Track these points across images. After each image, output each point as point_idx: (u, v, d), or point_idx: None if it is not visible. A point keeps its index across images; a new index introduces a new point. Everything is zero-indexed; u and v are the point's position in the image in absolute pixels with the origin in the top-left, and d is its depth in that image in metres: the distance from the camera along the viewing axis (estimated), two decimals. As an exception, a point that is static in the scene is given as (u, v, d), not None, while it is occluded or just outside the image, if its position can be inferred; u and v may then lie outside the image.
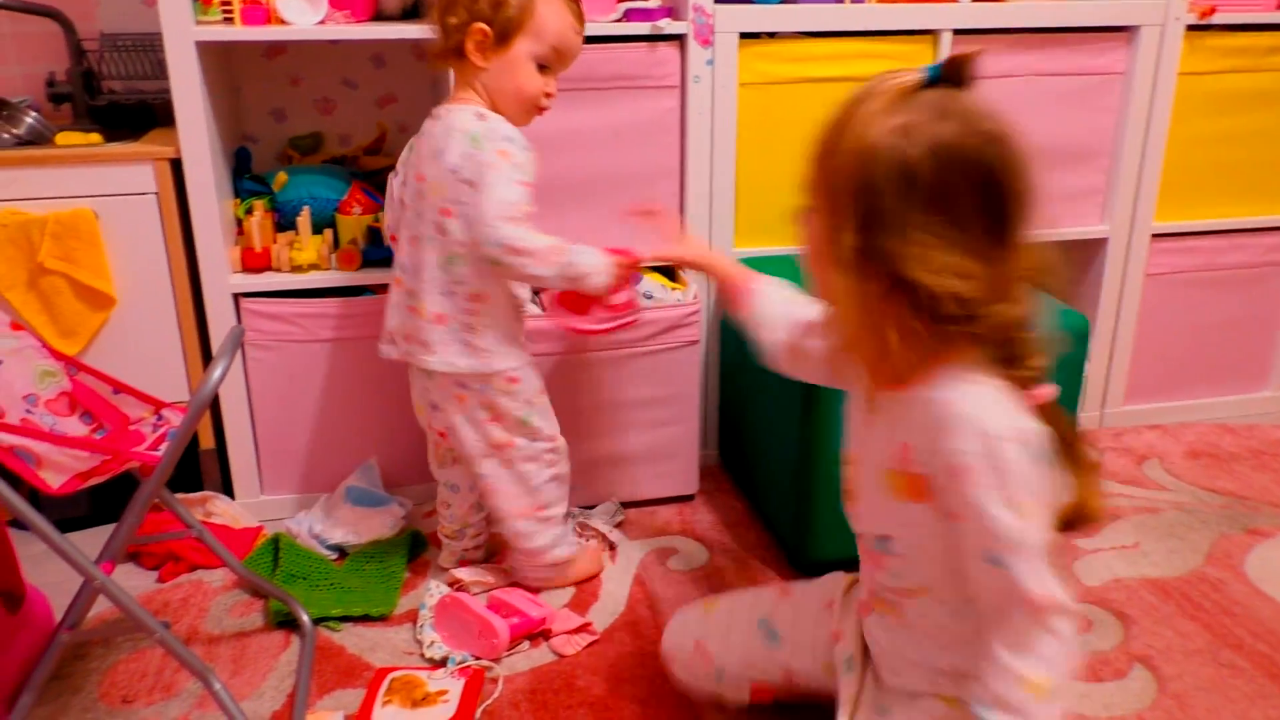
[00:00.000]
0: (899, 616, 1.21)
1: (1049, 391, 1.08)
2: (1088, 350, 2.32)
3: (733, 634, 1.43)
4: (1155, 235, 2.32)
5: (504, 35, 1.55)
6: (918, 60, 2.07)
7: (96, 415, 1.48)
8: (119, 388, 1.53)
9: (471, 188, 1.54)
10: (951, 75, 1.02)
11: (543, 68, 1.60)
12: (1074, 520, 1.11)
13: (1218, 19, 2.19)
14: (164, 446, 1.38)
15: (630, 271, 1.62)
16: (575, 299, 1.67)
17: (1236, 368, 2.49)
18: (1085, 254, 2.37)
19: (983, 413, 1.02)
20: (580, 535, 1.94)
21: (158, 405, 1.54)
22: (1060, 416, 1.09)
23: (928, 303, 1.00)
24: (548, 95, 1.62)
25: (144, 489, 1.37)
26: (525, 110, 1.62)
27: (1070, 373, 1.82)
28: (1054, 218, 1.12)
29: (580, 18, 1.64)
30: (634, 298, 1.72)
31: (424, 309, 1.61)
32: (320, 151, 2.31)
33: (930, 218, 0.99)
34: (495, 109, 1.60)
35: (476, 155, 1.54)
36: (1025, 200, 1.02)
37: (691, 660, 1.46)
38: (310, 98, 2.30)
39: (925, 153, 0.98)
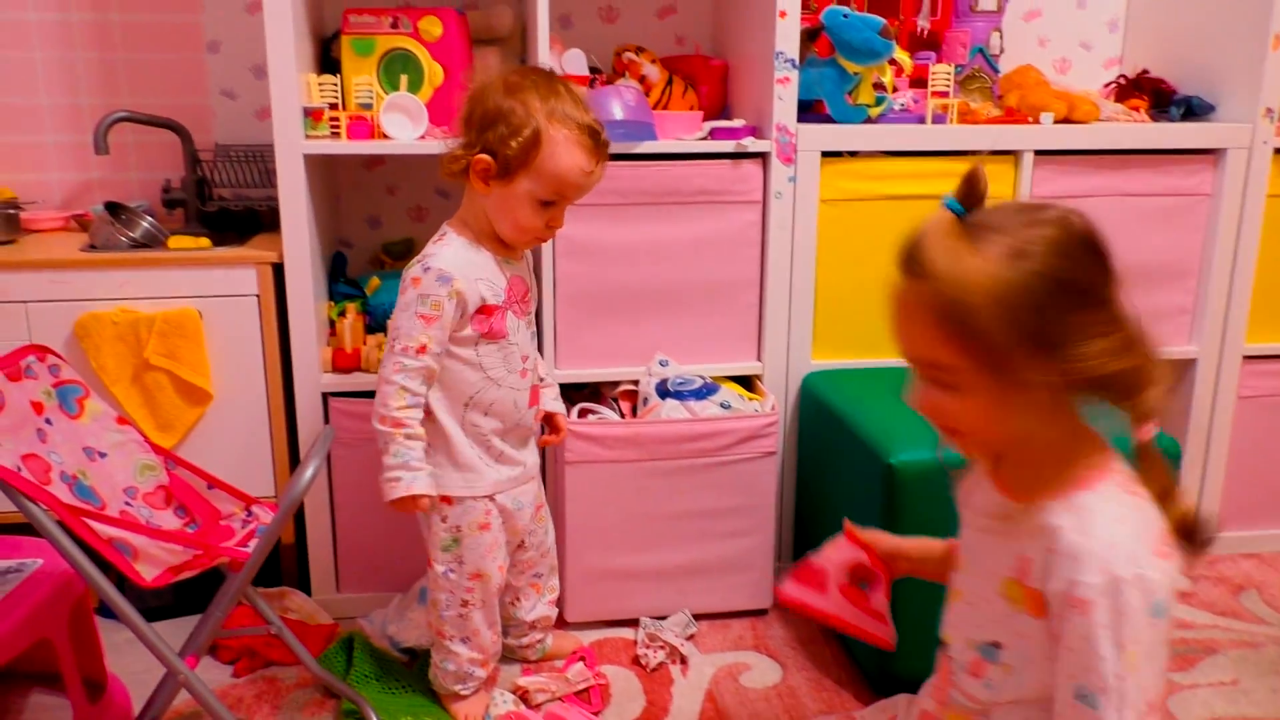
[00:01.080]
0: None
1: (1151, 429, 1.05)
2: (1179, 475, 2.25)
3: None
4: (1247, 357, 2.27)
5: (506, 170, 1.54)
6: (999, 179, 2.09)
7: (190, 509, 1.53)
8: (213, 483, 1.57)
9: None
10: (974, 195, 1.04)
11: (547, 202, 1.58)
12: (1185, 531, 1.06)
13: (1306, 142, 2.17)
14: (253, 543, 1.41)
15: (876, 571, 1.38)
16: (812, 574, 1.40)
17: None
18: (1175, 376, 2.32)
19: (1114, 549, 1.00)
20: (649, 647, 1.92)
21: (248, 501, 1.58)
22: (1159, 457, 1.06)
23: (1105, 391, 1.01)
24: (550, 226, 1.61)
25: (232, 584, 1.40)
26: (523, 239, 1.63)
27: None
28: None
29: (596, 155, 1.57)
30: (884, 611, 1.39)
31: None
32: (411, 257, 2.40)
33: (1085, 312, 1.00)
34: (494, 229, 1.62)
35: (405, 273, 1.61)
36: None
37: None
38: (404, 206, 2.40)
39: (1050, 257, 0.99)
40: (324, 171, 2.17)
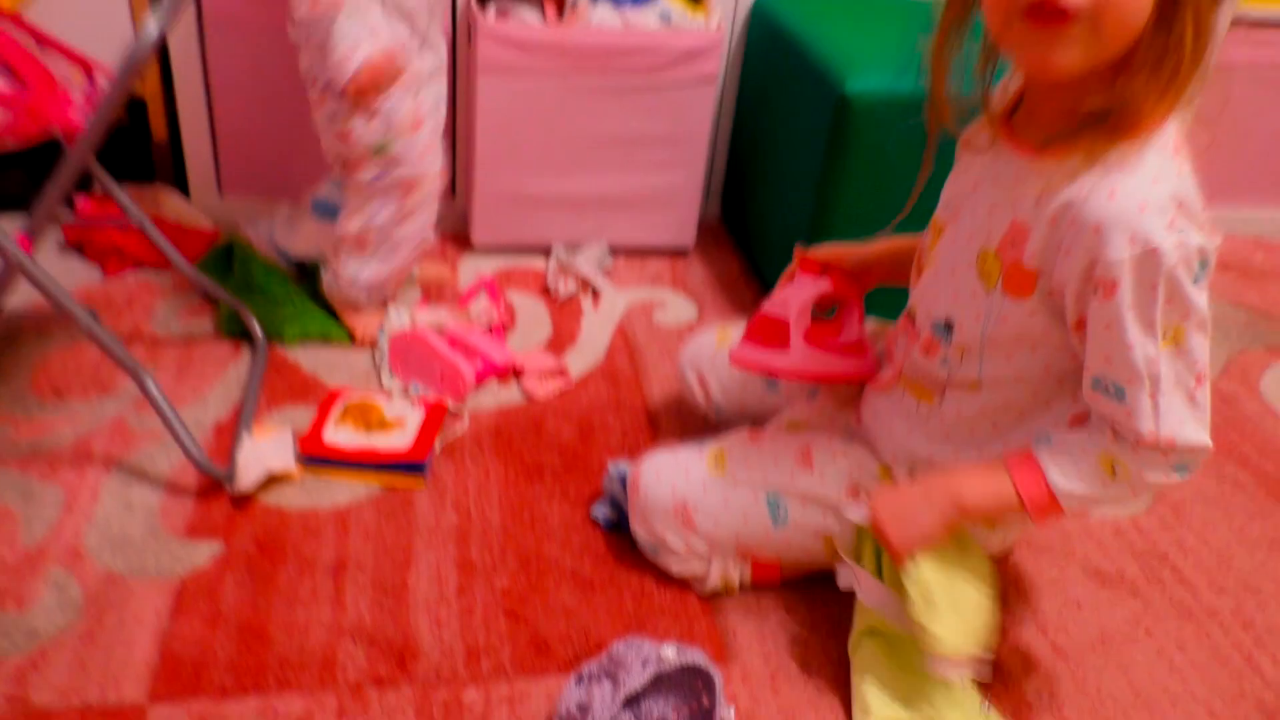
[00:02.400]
0: (928, 404, 1.09)
1: None
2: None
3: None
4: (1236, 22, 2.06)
5: None
6: None
7: (17, 70, 1.27)
8: (45, 41, 1.31)
9: None
10: None
11: None
12: None
13: None
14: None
15: (834, 293, 1.19)
16: (769, 328, 1.18)
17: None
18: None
19: (1145, 213, 0.84)
20: (560, 276, 1.80)
21: (89, 68, 1.33)
22: None
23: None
24: None
25: (68, 158, 1.19)
26: None
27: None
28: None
29: None
30: (864, 339, 1.23)
31: None
32: None
33: None
34: None
35: None
36: None
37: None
38: None
39: None
40: None
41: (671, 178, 1.86)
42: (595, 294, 1.80)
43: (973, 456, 1.06)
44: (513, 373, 1.56)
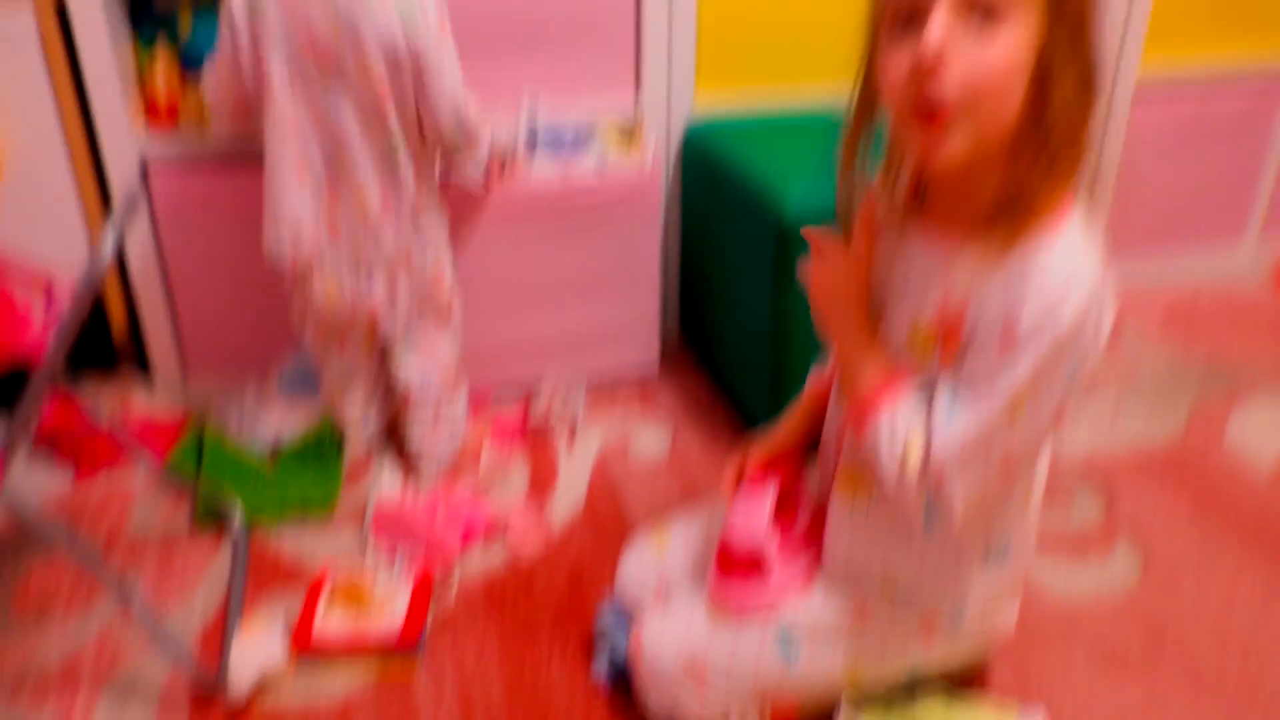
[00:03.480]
0: (865, 499, 1.08)
1: None
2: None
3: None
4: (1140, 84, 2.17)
5: None
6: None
7: (-25, 301, 1.29)
8: (1, 266, 1.33)
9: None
10: None
11: None
12: None
13: None
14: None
15: None
16: (743, 562, 1.14)
17: (1213, 221, 2.38)
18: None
19: (1073, 285, 0.88)
20: (531, 419, 1.82)
21: (48, 285, 1.35)
22: None
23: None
24: None
25: (35, 379, 1.20)
26: None
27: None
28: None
29: None
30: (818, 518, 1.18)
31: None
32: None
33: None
34: None
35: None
36: None
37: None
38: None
39: None
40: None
41: (628, 309, 1.89)
42: (570, 433, 1.82)
43: (913, 561, 1.06)
44: (497, 529, 1.56)
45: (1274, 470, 1.71)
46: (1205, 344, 2.12)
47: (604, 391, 1.94)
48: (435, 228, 1.56)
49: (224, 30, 1.41)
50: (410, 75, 1.41)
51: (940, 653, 1.13)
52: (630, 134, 1.87)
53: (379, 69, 1.39)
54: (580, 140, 1.82)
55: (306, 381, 1.82)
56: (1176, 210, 2.34)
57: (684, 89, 1.91)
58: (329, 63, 1.39)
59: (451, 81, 1.44)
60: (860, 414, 0.99)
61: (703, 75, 1.92)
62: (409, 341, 1.63)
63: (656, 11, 1.83)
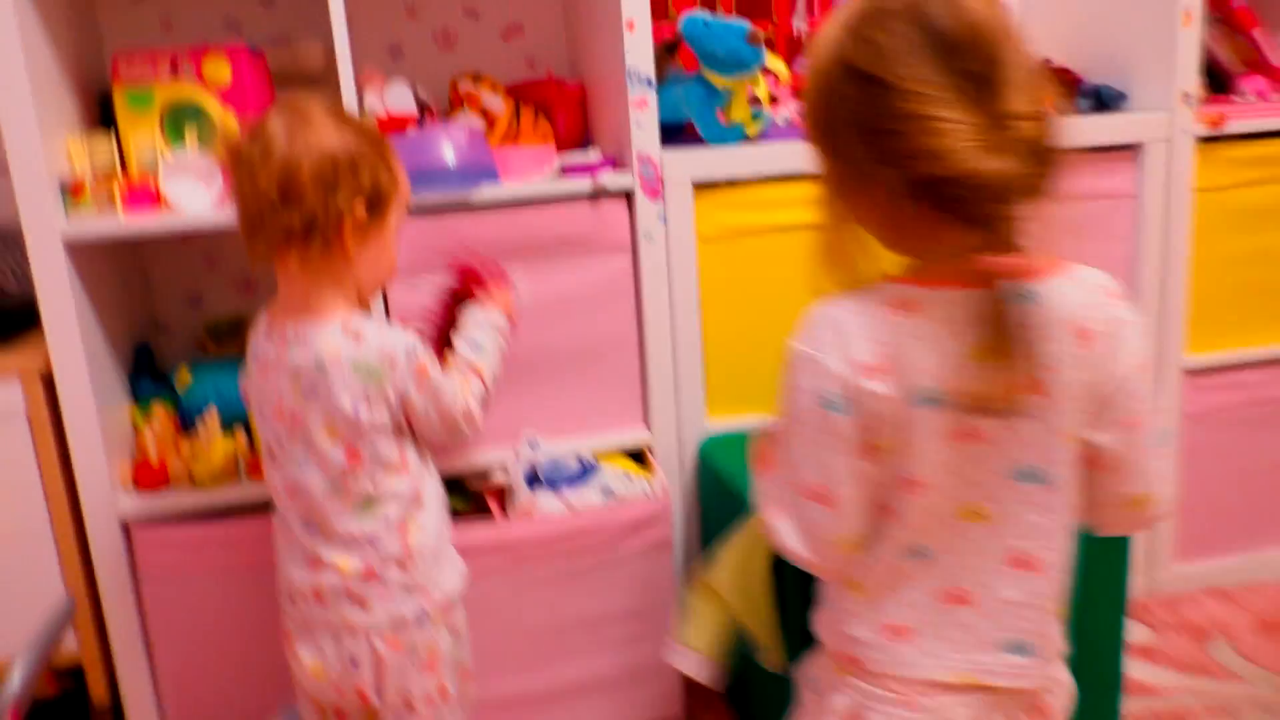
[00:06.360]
0: None
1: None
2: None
3: None
4: (1188, 370, 2.04)
5: (377, 207, 1.27)
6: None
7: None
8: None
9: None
10: None
11: None
12: None
13: (1231, 128, 1.95)
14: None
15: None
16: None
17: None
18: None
19: None
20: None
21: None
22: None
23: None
24: None
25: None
26: (390, 278, 1.39)
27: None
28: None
29: None
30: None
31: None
32: (241, 337, 2.06)
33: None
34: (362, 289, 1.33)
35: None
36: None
37: None
38: (228, 279, 2.06)
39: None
40: (119, 249, 1.82)
41: (644, 651, 1.72)
42: (583, 800, 1.61)
43: None
44: None
45: None
46: None
47: (623, 745, 1.74)
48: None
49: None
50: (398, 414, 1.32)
51: None
52: (639, 462, 1.78)
53: (330, 444, 1.29)
54: (585, 471, 1.72)
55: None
56: (1257, 500, 2.13)
57: (694, 414, 1.83)
58: (296, 432, 1.32)
59: (443, 409, 1.33)
60: None
61: (713, 402, 1.85)
62: None
63: (659, 341, 1.78)
